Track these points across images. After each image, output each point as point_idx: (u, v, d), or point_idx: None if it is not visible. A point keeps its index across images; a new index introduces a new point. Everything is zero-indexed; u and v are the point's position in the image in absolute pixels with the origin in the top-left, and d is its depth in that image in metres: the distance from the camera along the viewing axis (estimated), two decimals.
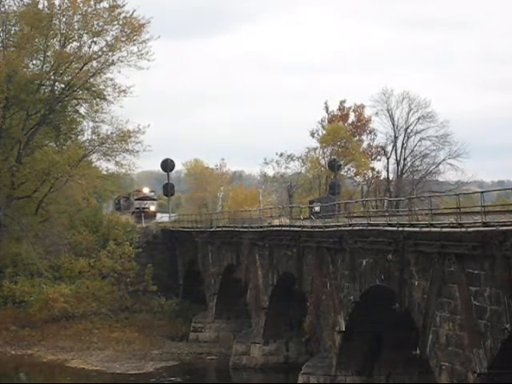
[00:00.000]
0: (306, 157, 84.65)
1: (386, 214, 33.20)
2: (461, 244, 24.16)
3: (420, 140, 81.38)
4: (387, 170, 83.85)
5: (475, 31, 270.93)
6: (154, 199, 76.82)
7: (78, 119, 63.20)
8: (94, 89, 59.42)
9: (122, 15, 58.22)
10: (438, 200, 56.50)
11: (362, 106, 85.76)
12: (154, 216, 72.96)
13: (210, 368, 47.43)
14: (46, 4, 58.15)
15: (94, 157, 62.48)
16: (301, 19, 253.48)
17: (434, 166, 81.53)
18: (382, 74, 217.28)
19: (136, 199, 74.76)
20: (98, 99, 59.88)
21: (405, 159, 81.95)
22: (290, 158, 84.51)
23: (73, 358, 47.41)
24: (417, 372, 33.84)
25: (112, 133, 60.09)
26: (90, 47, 58.48)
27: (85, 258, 57.43)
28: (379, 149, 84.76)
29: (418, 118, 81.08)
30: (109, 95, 59.34)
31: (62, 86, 59.43)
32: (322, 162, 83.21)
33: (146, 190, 77.54)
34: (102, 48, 58.33)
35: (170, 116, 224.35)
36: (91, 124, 61.61)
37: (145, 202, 74.22)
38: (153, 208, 74.37)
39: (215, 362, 47.70)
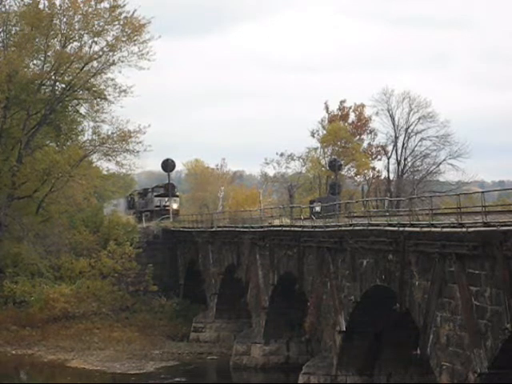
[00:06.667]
0: (307, 157, 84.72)
1: (387, 213, 33.22)
2: (461, 244, 24.16)
3: (420, 140, 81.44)
4: (388, 170, 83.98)
5: (476, 30, 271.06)
6: (177, 196, 71.97)
7: (78, 119, 63.30)
8: (94, 89, 59.49)
9: (123, 15, 58.36)
10: (439, 200, 56.51)
11: (362, 106, 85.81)
12: (177, 214, 68.54)
13: (211, 368, 47.42)
14: (46, 4, 58.35)
15: (94, 157, 62.73)
16: (301, 18, 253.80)
17: (434, 166, 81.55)
18: (382, 74, 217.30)
19: (156, 196, 70.07)
20: (98, 99, 59.98)
21: (405, 159, 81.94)
22: (291, 157, 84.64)
23: (73, 358, 47.39)
24: (417, 372, 33.85)
25: (112, 133, 60.29)
26: (90, 47, 58.70)
27: (85, 258, 57.45)
28: (379, 148, 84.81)
29: (419, 118, 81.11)
30: (109, 95, 59.57)
31: (63, 85, 59.50)
32: (323, 161, 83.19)
33: None
34: (102, 48, 58.46)
35: (170, 116, 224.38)
36: (92, 124, 61.90)
37: (166, 198, 68.83)
38: (175, 206, 69.50)
39: (216, 362, 47.66)
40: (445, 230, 25.02)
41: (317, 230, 36.40)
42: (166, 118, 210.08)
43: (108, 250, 57.81)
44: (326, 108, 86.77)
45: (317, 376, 35.22)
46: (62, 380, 43.22)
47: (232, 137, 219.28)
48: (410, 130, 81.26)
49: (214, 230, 52.60)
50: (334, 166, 72.36)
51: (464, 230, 23.87)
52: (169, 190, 69.77)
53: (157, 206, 69.50)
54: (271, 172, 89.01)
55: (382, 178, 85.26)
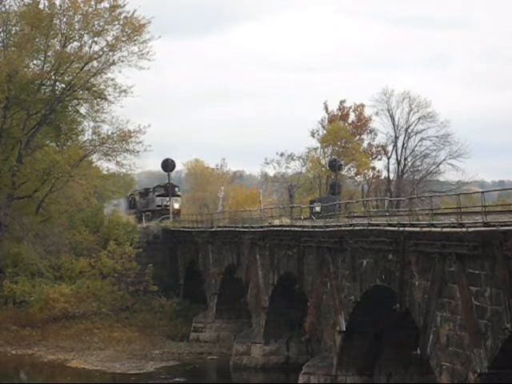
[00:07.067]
0: (307, 157, 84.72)
1: (387, 213, 33.20)
2: (461, 244, 24.16)
3: (420, 140, 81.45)
4: (388, 170, 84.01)
5: (476, 30, 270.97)
6: (178, 195, 71.28)
7: (78, 119, 63.29)
8: (94, 89, 59.49)
9: (123, 15, 58.36)
10: (439, 200, 56.50)
11: (362, 106, 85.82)
12: (178, 214, 68.54)
13: (211, 368, 47.42)
14: (46, 4, 58.33)
15: (94, 157, 62.74)
16: (301, 18, 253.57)
17: (434, 166, 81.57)
18: (382, 74, 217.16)
19: (158, 195, 69.62)
20: (98, 99, 59.99)
21: (405, 159, 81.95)
22: (291, 157, 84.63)
23: (73, 358, 47.37)
24: (417, 372, 33.84)
25: (112, 133, 60.30)
26: (90, 47, 58.68)
27: (85, 257, 57.44)
28: (379, 148, 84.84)
29: (419, 118, 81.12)
30: (109, 95, 59.57)
31: (63, 85, 59.50)
32: (323, 161, 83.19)
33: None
34: (102, 48, 58.46)
35: (170, 116, 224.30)
36: (92, 124, 61.92)
37: (168, 198, 68.28)
38: (177, 205, 69.09)
39: (216, 362, 47.66)
40: (445, 230, 25.01)
41: (317, 230, 36.39)
42: (166, 118, 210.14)
43: (108, 249, 57.81)
44: (326, 108, 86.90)
45: (317, 376, 35.21)
46: (62, 380, 43.21)
47: (232, 137, 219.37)
48: (409, 130, 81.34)
49: (214, 230, 52.60)
50: (334, 166, 72.32)
51: (464, 230, 23.87)
52: (169, 190, 69.77)
53: (158, 206, 69.31)
54: (271, 172, 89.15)
55: (382, 177, 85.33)
